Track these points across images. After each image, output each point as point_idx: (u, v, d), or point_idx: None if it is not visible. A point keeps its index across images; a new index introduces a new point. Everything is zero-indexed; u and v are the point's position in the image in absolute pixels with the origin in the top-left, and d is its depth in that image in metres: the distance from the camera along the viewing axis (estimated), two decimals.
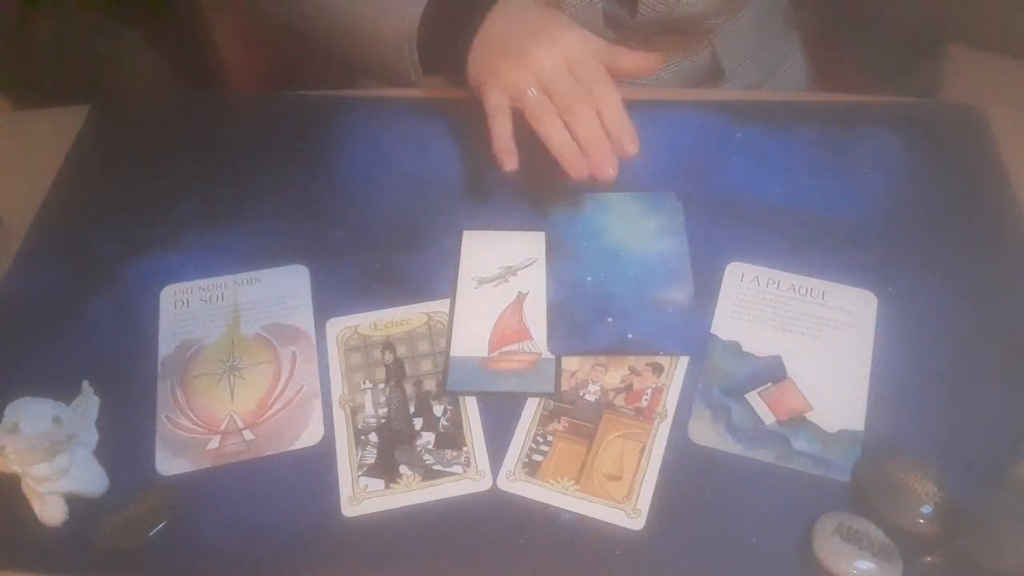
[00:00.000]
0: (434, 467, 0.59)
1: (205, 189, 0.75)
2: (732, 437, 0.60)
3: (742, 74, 0.87)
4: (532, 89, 0.68)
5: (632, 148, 0.66)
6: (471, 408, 0.62)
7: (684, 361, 0.63)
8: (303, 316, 0.67)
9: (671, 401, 0.61)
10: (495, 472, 0.59)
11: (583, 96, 0.68)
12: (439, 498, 0.58)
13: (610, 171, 0.65)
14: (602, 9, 0.79)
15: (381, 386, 0.63)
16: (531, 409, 0.62)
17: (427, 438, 0.61)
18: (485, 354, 0.64)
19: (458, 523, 0.57)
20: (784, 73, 0.92)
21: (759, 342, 0.64)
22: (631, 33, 0.80)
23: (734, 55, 0.86)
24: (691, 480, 0.58)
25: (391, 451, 0.60)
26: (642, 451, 0.59)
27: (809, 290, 0.66)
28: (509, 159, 0.68)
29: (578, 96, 0.68)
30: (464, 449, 0.60)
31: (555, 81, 0.68)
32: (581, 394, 0.62)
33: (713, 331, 0.64)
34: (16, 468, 0.57)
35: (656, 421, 0.61)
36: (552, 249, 0.70)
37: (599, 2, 0.78)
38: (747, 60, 0.87)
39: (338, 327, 0.66)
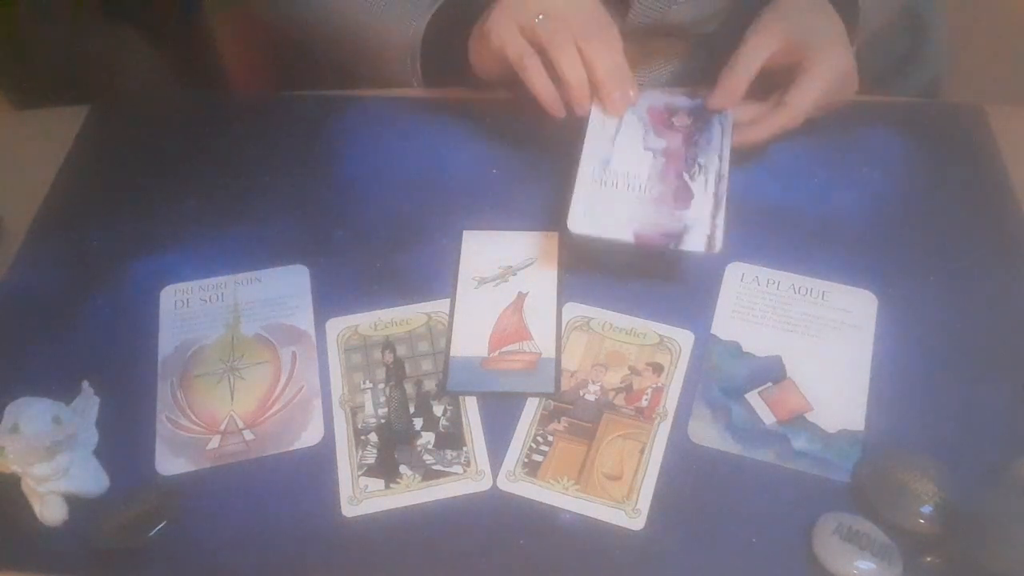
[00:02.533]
0: (434, 467, 0.59)
1: (205, 189, 0.75)
2: (732, 437, 0.60)
3: None
4: (540, 16, 0.67)
5: (635, 94, 0.68)
6: (471, 408, 0.62)
7: (684, 361, 0.63)
8: (303, 316, 0.67)
9: (671, 401, 0.61)
10: (495, 472, 0.59)
11: (597, 30, 0.67)
12: (439, 498, 0.58)
13: (625, 107, 0.67)
14: None
15: (381, 386, 0.63)
16: (531, 409, 0.62)
17: (427, 438, 0.61)
18: (485, 354, 0.64)
19: (458, 523, 0.57)
20: None
21: (759, 342, 0.64)
22: (622, 35, 0.80)
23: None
24: (691, 480, 0.58)
25: (391, 451, 0.60)
26: (642, 451, 0.59)
27: (809, 290, 0.66)
28: (557, 107, 0.68)
29: (592, 29, 0.67)
30: (464, 449, 0.60)
31: (566, 11, 0.67)
32: (581, 394, 0.62)
33: (713, 331, 0.64)
34: (16, 468, 0.57)
35: (656, 421, 0.61)
36: None
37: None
38: None
39: (338, 327, 0.66)
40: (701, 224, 0.64)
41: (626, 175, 0.66)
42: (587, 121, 0.68)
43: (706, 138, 0.68)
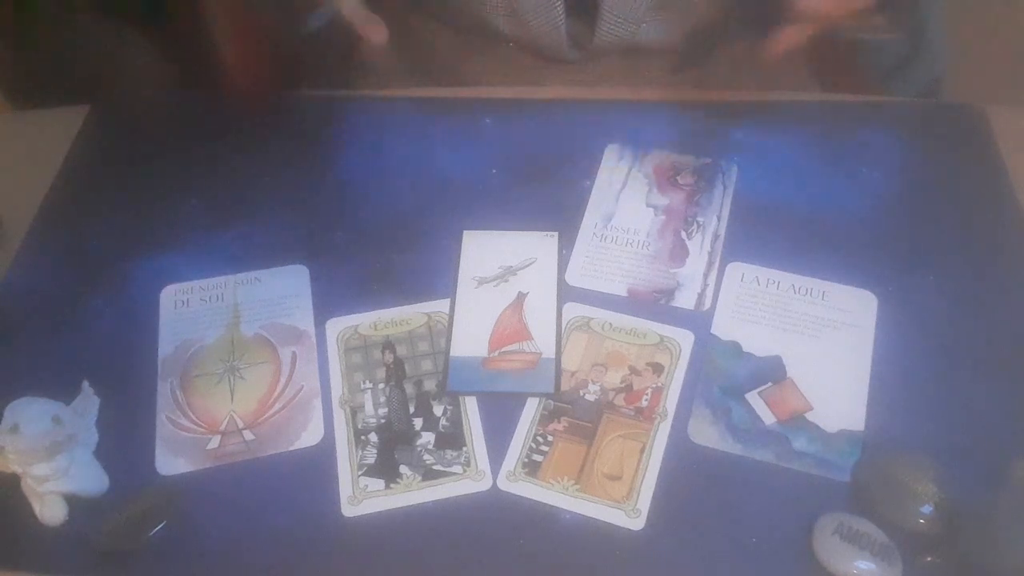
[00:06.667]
0: (434, 467, 0.59)
1: (205, 189, 0.75)
2: (732, 437, 0.60)
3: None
4: None
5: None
6: (471, 408, 0.62)
7: (684, 361, 0.63)
8: (303, 316, 0.67)
9: (671, 401, 0.61)
10: (495, 472, 0.59)
11: None
12: (439, 498, 0.58)
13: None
14: (565, 30, 0.78)
15: (381, 386, 0.63)
16: (531, 409, 0.62)
17: (427, 438, 0.61)
18: (485, 354, 0.64)
19: (458, 523, 0.57)
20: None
21: (759, 342, 0.64)
22: (596, 55, 0.80)
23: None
24: (691, 480, 0.58)
25: (391, 451, 0.60)
26: (642, 451, 0.59)
27: (809, 290, 0.66)
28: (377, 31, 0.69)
29: None
30: (464, 449, 0.60)
31: None
32: (581, 394, 0.62)
33: (713, 331, 0.64)
34: (16, 468, 0.57)
35: (656, 421, 0.61)
36: None
37: (562, 23, 0.78)
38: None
39: (338, 327, 0.66)
40: (693, 283, 0.67)
41: (626, 231, 0.69)
42: (594, 179, 0.73)
43: (707, 198, 0.71)
